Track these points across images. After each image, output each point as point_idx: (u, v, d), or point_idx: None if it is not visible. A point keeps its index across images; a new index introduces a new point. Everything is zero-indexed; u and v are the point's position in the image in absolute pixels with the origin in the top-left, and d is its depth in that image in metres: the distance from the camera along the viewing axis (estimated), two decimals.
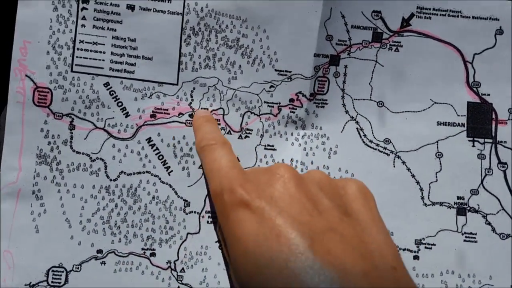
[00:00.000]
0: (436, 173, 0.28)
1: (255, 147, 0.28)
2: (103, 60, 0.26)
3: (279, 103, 0.28)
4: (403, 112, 0.28)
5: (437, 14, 0.28)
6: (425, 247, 0.28)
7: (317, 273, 0.17)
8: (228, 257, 0.21)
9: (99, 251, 0.26)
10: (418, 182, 0.28)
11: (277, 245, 0.18)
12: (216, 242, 0.27)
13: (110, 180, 0.26)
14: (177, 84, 0.27)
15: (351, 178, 0.24)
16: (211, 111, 0.27)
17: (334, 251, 0.17)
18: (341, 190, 0.21)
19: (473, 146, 0.28)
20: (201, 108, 0.27)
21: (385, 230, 0.20)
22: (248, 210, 0.19)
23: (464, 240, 0.27)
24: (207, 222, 0.27)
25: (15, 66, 0.25)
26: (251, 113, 0.28)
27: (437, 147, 0.28)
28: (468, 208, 0.28)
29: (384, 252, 0.19)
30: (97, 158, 0.26)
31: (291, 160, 0.28)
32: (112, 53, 0.26)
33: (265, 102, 0.28)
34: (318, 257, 0.17)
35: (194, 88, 0.27)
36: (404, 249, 0.28)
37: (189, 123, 0.27)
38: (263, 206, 0.19)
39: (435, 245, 0.28)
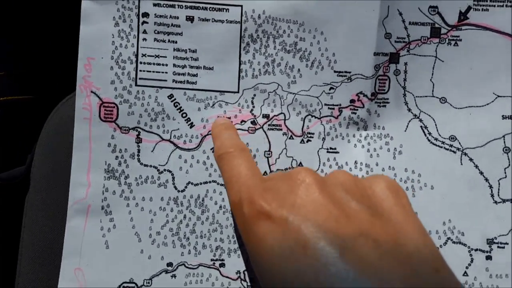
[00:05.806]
0: (505, 168, 0.28)
1: (318, 151, 0.27)
2: (166, 72, 0.26)
3: (340, 104, 0.27)
4: (466, 107, 0.28)
5: (494, 6, 0.27)
6: (498, 247, 0.27)
7: (351, 285, 0.15)
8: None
9: (169, 264, 0.26)
10: (487, 179, 0.27)
11: (304, 258, 0.16)
12: None
13: (178, 191, 0.26)
14: (238, 92, 0.27)
15: (379, 174, 0.23)
16: (273, 117, 0.27)
17: (367, 259, 0.16)
18: (369, 190, 0.19)
19: None
20: (263, 114, 0.27)
21: (422, 228, 0.18)
22: (270, 221, 0.18)
23: None
24: None
25: (80, 83, 0.26)
26: (312, 116, 0.27)
27: (504, 142, 0.28)
28: None
29: (423, 253, 0.17)
30: (164, 170, 0.26)
31: (355, 162, 0.27)
32: (174, 65, 0.26)
33: (325, 104, 0.27)
34: (351, 267, 0.16)
35: (254, 95, 0.27)
36: (476, 250, 0.27)
37: (252, 130, 0.27)
38: (285, 216, 0.18)
39: (508, 244, 0.27)
